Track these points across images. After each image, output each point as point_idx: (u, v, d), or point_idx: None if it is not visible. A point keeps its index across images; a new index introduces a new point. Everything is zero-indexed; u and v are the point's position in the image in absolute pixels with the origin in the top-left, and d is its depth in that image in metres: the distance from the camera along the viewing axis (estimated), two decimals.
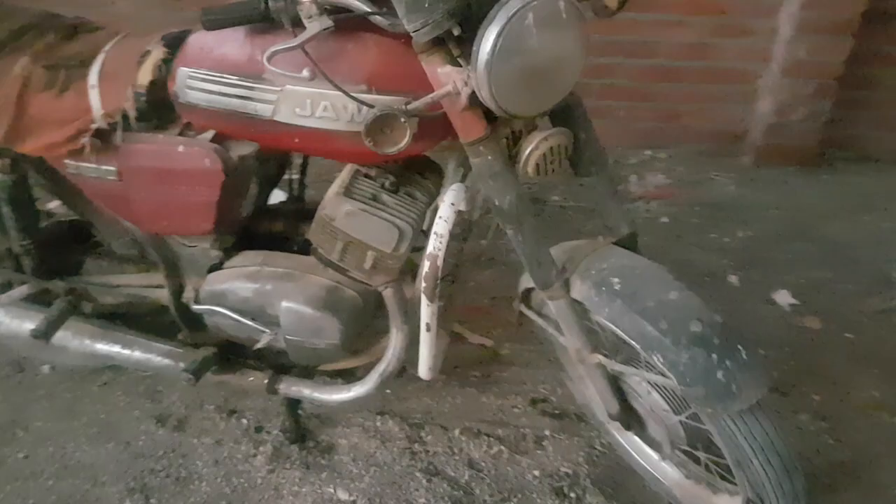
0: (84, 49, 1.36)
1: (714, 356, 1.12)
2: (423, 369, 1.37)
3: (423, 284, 1.24)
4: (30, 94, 1.31)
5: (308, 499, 1.60)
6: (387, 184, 1.35)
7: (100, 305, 1.62)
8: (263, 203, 1.56)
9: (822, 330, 2.06)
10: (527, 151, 1.15)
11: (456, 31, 1.02)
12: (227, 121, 1.25)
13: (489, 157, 1.14)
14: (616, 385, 1.40)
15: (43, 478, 1.64)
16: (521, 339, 1.95)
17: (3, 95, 1.30)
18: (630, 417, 1.42)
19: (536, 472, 1.66)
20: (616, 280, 1.23)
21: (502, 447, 1.72)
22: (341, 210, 1.31)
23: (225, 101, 1.23)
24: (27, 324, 1.55)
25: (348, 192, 1.32)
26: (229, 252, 1.49)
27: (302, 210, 1.54)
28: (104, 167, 1.35)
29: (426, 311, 1.27)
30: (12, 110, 1.31)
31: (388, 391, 1.85)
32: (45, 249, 1.55)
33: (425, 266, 1.23)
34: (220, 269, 1.47)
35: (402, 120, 1.07)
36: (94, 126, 1.30)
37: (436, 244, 1.21)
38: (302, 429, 1.75)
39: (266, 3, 1.09)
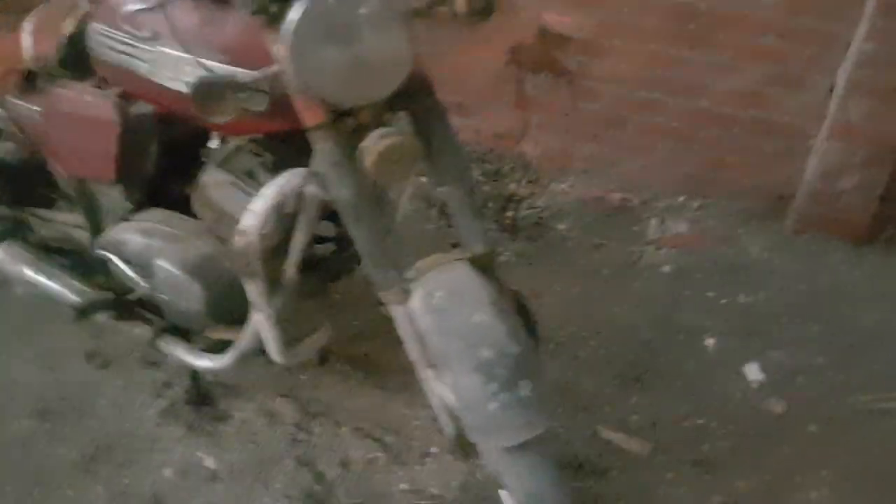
0: (27, 5, 1.50)
1: (492, 385, 1.06)
2: (271, 352, 1.39)
3: (236, 261, 1.26)
4: None
5: (175, 458, 1.66)
6: (267, 162, 1.39)
7: (39, 237, 1.76)
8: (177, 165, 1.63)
9: (783, 415, 1.87)
10: (363, 147, 1.15)
11: (273, 8, 1.04)
12: (123, 78, 1.34)
13: (329, 145, 1.15)
14: None
15: None
16: None
17: None
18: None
19: (404, 486, 1.63)
20: (439, 295, 1.19)
21: (382, 454, 1.70)
22: (215, 179, 1.37)
23: (117, 58, 1.32)
24: None
25: (226, 162, 1.38)
26: (141, 205, 1.57)
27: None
28: (31, 106, 1.48)
29: (249, 290, 1.29)
30: None
31: (302, 376, 1.88)
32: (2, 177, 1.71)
33: (237, 242, 1.25)
34: (128, 219, 1.56)
35: (228, 92, 1.10)
36: (20, 67, 1.43)
37: (246, 220, 1.22)
38: (203, 394, 1.81)
39: None
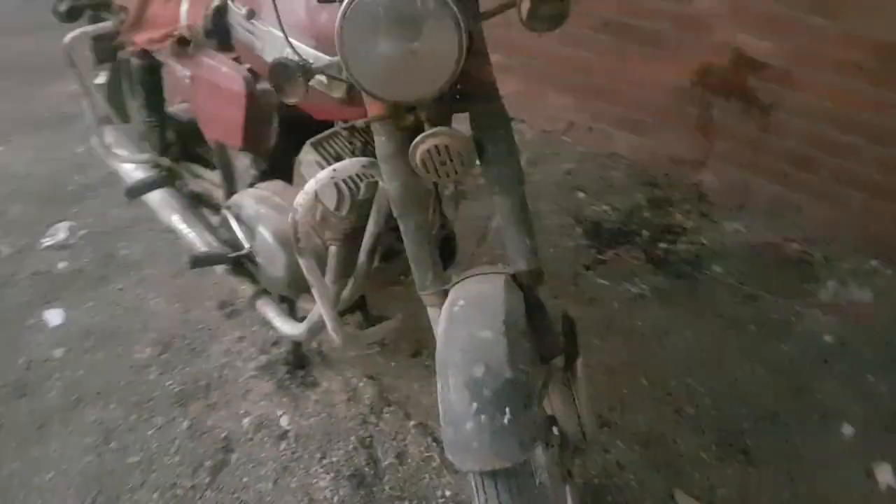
0: None
1: (474, 405, 1.01)
2: (329, 327, 1.44)
3: (291, 235, 1.31)
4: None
5: (257, 412, 1.79)
6: (356, 149, 1.44)
7: (188, 189, 1.98)
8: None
9: None
10: (414, 142, 1.15)
11: None
12: (249, 56, 1.46)
13: (383, 139, 1.16)
14: None
15: (118, 307, 2.10)
16: None
17: None
18: None
19: (448, 493, 1.61)
20: (461, 303, 1.16)
21: (438, 456, 1.69)
22: (307, 158, 1.45)
23: (244, 34, 1.44)
24: (136, 178, 1.98)
25: (318, 143, 1.45)
26: (266, 175, 1.71)
27: None
28: (183, 69, 1.67)
29: (302, 264, 1.34)
30: (136, 10, 1.69)
31: (393, 363, 1.93)
32: (166, 128, 1.95)
33: (287, 216, 1.30)
34: (253, 186, 1.71)
35: (298, 75, 1.16)
36: (176, 33, 1.61)
37: (299, 199, 1.26)
38: (301, 359, 1.92)
39: None
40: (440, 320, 1.17)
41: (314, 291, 1.45)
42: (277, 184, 1.66)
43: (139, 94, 1.87)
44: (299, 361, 1.93)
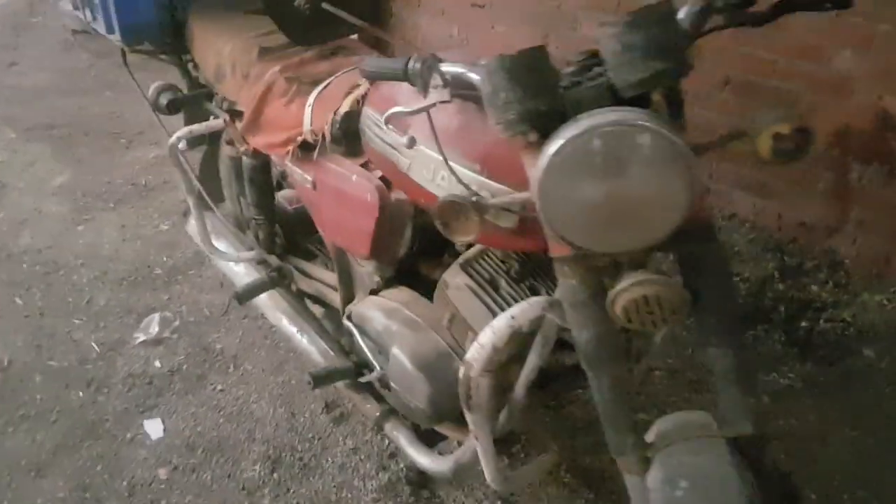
0: (325, 70, 1.58)
1: None
2: (487, 476, 1.30)
3: (461, 390, 1.17)
4: (269, 98, 1.58)
5: None
6: (511, 270, 1.31)
7: (299, 288, 1.87)
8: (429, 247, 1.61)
9: None
10: (614, 290, 1.00)
11: (531, 137, 0.94)
12: (384, 165, 1.35)
13: (573, 282, 1.02)
14: None
15: (220, 412, 1.99)
16: None
17: (251, 94, 1.60)
18: None
19: None
20: (683, 486, 1.00)
21: None
22: (455, 281, 1.32)
23: (381, 146, 1.32)
24: (243, 280, 1.88)
25: (468, 265, 1.32)
26: (390, 282, 1.58)
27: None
28: (304, 174, 1.56)
29: (468, 418, 1.20)
30: (254, 108, 1.59)
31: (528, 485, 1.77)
32: (275, 225, 1.84)
33: (461, 372, 1.16)
34: (376, 294, 1.58)
35: (473, 212, 1.03)
36: (299, 138, 1.51)
37: (474, 353, 1.13)
38: (425, 476, 1.78)
39: (406, 65, 1.14)
40: (653, 500, 1.01)
41: (475, 437, 1.31)
42: (404, 293, 1.54)
43: (251, 192, 1.77)
44: (423, 479, 1.79)
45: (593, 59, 1.03)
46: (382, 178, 1.42)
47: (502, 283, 1.30)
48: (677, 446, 1.06)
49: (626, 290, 0.98)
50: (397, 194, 1.43)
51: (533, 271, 1.31)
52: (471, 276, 1.31)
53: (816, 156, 2.36)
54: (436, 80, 1.09)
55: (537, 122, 0.93)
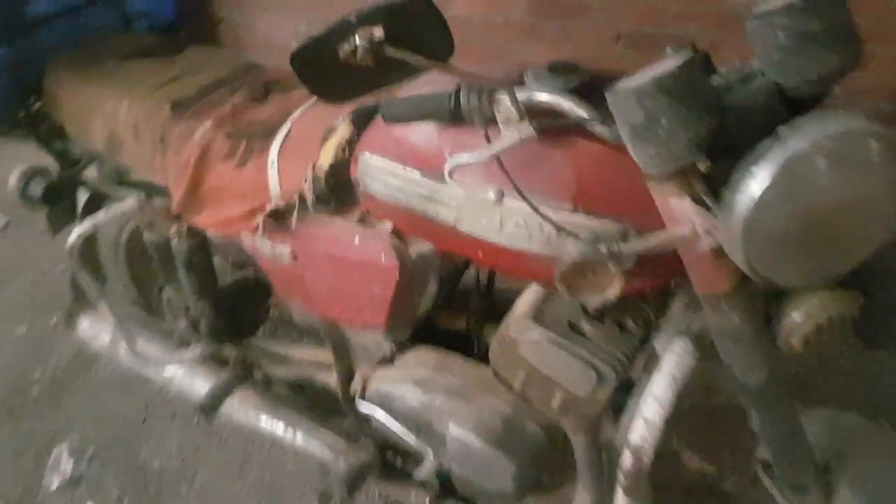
0: (271, 115, 1.29)
1: None
2: None
3: (622, 478, 1.00)
4: (208, 163, 1.27)
5: None
6: (589, 308, 1.13)
7: (270, 376, 1.57)
8: (448, 295, 1.40)
9: None
10: (794, 320, 0.86)
11: (703, 167, 0.77)
12: (407, 217, 1.11)
13: (735, 319, 0.88)
14: None
15: None
16: None
17: (181, 162, 1.27)
18: None
19: None
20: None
21: None
22: (528, 337, 1.12)
23: (405, 198, 1.08)
24: (198, 385, 1.54)
25: (539, 316, 1.13)
26: (403, 345, 1.35)
27: (489, 308, 1.36)
28: (278, 247, 1.27)
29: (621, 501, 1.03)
30: (189, 179, 1.27)
31: None
32: (222, 308, 1.52)
33: (627, 458, 0.98)
34: (391, 363, 1.34)
35: (613, 270, 0.84)
36: (270, 206, 1.21)
37: (643, 433, 0.96)
38: None
39: (456, 100, 0.91)
40: None
41: (583, 497, 1.14)
42: (429, 354, 1.33)
43: (191, 278, 1.43)
44: None
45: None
46: (396, 233, 1.19)
47: (584, 325, 1.12)
48: (857, 465, 0.97)
49: (810, 315, 0.86)
50: (417, 246, 1.19)
51: (610, 306, 1.14)
52: (548, 328, 1.11)
53: None
54: (505, 112, 0.89)
55: (708, 147, 0.76)
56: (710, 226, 0.80)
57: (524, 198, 0.91)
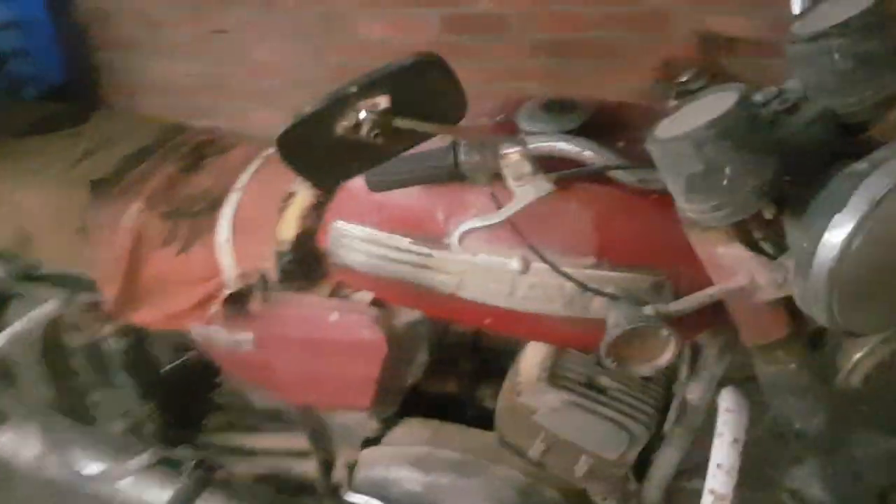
0: (212, 184, 1.13)
1: None
2: None
3: None
4: (145, 251, 1.09)
5: None
6: (638, 375, 1.04)
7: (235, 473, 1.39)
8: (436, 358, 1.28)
9: None
10: (856, 358, 0.80)
11: (769, 214, 0.68)
12: (393, 288, 1.00)
13: (792, 367, 0.81)
14: None
15: None
16: None
17: (111, 254, 1.09)
18: None
19: None
20: None
21: None
22: (546, 402, 1.02)
23: (392, 268, 0.96)
24: (153, 497, 1.35)
25: (554, 378, 1.02)
26: (389, 420, 1.21)
27: (480, 368, 1.24)
28: (238, 335, 1.11)
29: None
30: (123, 273, 1.09)
31: None
32: (169, 407, 1.34)
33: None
34: (377, 443, 1.20)
35: (665, 333, 0.75)
36: (226, 291, 1.05)
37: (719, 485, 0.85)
38: None
39: (455, 157, 0.80)
40: None
41: None
42: (420, 427, 1.21)
43: (131, 379, 1.24)
44: None
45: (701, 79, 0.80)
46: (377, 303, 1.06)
47: (602, 380, 1.03)
48: None
49: (873, 352, 0.79)
50: (403, 314, 1.07)
51: None
52: (566, 389, 1.01)
53: (643, 93, 2.36)
54: (514, 167, 0.78)
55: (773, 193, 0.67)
56: (776, 276, 0.71)
57: (545, 260, 0.81)
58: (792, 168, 0.69)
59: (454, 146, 0.80)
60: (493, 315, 0.93)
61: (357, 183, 0.96)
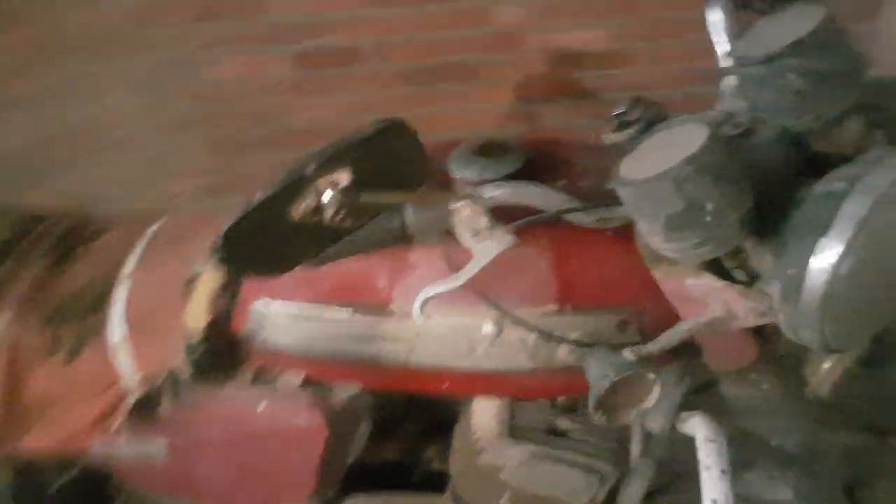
0: (92, 277, 0.98)
1: None
2: None
3: None
4: (25, 367, 0.92)
5: None
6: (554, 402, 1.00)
7: None
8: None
9: None
10: (822, 369, 0.80)
11: (749, 245, 0.66)
12: (331, 366, 0.91)
13: (765, 387, 0.80)
14: None
15: None
16: None
17: None
18: None
19: None
20: None
21: None
22: (511, 458, 0.96)
23: (330, 344, 0.87)
24: None
25: (515, 431, 0.96)
26: (331, 501, 1.11)
27: (425, 428, 1.16)
28: (148, 445, 0.97)
29: None
30: (0, 396, 0.91)
31: None
32: None
33: None
34: None
35: (652, 377, 0.71)
36: (129, 400, 0.91)
37: None
38: None
39: (402, 218, 0.72)
40: None
41: None
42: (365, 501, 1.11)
43: None
44: None
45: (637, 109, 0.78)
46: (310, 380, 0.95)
47: (563, 423, 0.98)
48: (880, 484, 0.94)
49: (837, 363, 0.80)
50: (340, 390, 0.97)
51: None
52: (530, 441, 0.95)
53: (508, 114, 2.37)
54: (469, 223, 0.72)
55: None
56: (757, 304, 0.69)
57: (516, 318, 0.75)
58: (757, 193, 0.67)
59: (400, 211, 0.73)
60: (451, 378, 0.86)
61: None
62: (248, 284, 0.89)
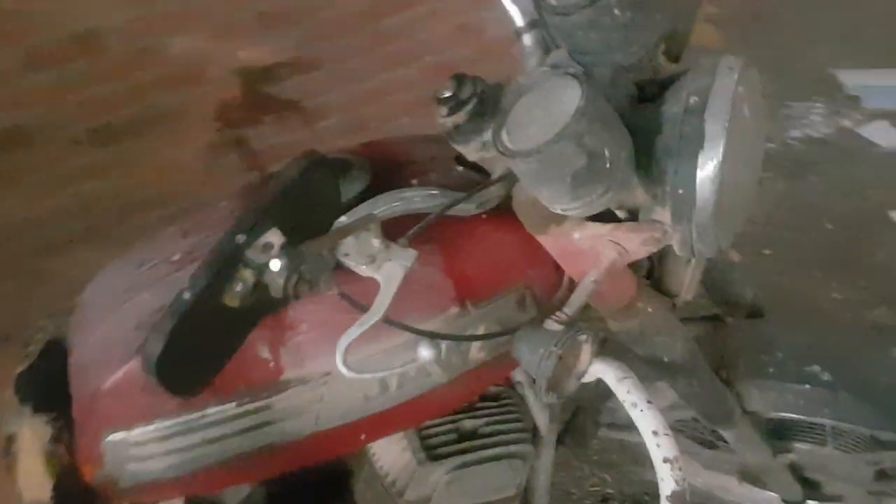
0: None
1: None
2: None
3: None
4: None
5: None
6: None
7: None
8: None
9: None
10: (686, 277, 0.86)
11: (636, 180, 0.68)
12: (220, 475, 0.77)
13: (649, 310, 0.83)
14: None
15: None
16: None
17: None
18: None
19: None
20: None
21: None
22: (436, 482, 0.91)
23: (215, 450, 0.74)
24: None
25: (433, 453, 0.91)
26: None
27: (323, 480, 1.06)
28: None
29: None
30: None
31: None
32: None
33: None
34: None
35: (583, 338, 0.71)
36: None
37: (672, 475, 0.81)
38: None
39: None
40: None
41: None
42: None
43: None
44: None
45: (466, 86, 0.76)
46: None
47: (467, 423, 0.94)
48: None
49: (696, 267, 0.87)
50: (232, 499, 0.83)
51: None
52: (450, 457, 0.90)
53: (212, 146, 2.21)
54: (365, 250, 0.65)
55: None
56: (653, 233, 0.71)
57: (425, 332, 0.69)
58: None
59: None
60: (367, 427, 0.78)
61: (116, 378, 0.71)
62: (86, 426, 0.71)
